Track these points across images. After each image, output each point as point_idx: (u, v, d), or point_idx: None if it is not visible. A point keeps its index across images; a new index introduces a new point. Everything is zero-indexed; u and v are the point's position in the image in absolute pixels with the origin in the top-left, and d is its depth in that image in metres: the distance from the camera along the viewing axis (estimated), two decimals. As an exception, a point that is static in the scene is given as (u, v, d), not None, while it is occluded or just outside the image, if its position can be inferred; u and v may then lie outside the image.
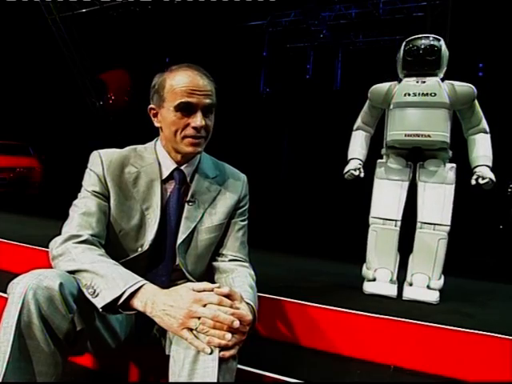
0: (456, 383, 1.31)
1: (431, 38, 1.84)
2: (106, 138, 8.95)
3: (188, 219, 1.10)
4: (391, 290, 1.85)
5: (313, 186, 7.76)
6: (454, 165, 1.90)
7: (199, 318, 0.81)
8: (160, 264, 1.10)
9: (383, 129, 1.99)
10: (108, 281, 0.87)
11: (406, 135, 1.84)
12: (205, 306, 0.82)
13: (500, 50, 7.00)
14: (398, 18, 8.35)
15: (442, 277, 1.85)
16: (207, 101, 1.03)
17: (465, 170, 1.90)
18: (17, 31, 9.38)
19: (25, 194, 7.57)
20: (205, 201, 1.13)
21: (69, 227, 1.00)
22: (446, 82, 1.84)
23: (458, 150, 1.93)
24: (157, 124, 1.10)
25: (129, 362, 1.31)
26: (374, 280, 1.91)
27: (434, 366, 1.34)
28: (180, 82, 1.02)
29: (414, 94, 1.82)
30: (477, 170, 1.84)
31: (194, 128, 1.03)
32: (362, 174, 1.97)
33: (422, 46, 1.82)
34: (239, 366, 0.91)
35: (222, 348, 0.82)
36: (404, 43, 1.89)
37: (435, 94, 1.80)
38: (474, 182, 1.83)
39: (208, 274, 1.17)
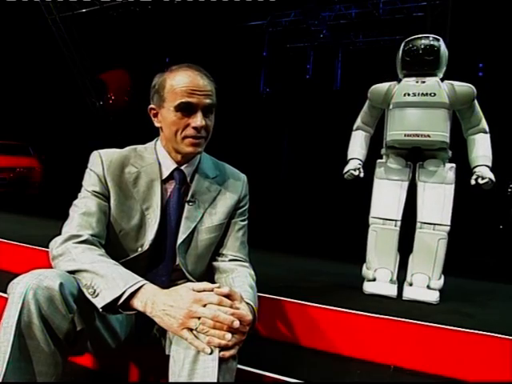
0: (456, 383, 1.31)
1: (431, 38, 1.84)
2: (106, 137, 8.95)
3: (188, 219, 1.10)
4: (391, 290, 1.85)
5: (313, 186, 7.76)
6: (454, 165, 1.90)
7: (199, 318, 0.81)
8: (160, 264, 1.10)
9: (383, 129, 1.99)
10: (108, 281, 0.87)
11: (405, 135, 1.85)
12: (205, 306, 0.82)
13: (500, 50, 7.00)
14: (398, 17, 8.35)
15: (442, 277, 1.85)
16: (207, 101, 1.03)
17: (464, 169, 1.90)
18: (17, 31, 9.38)
19: (25, 194, 7.57)
20: (205, 201, 1.13)
21: (69, 227, 1.00)
22: (446, 82, 1.84)
23: (458, 149, 1.93)
24: (157, 124, 1.10)
25: (129, 362, 1.31)
26: (374, 280, 1.91)
27: (434, 366, 1.34)
28: (180, 82, 1.02)
29: (414, 94, 1.82)
30: (476, 169, 1.84)
31: (195, 128, 1.03)
32: (362, 174, 1.98)
33: (421, 46, 1.82)
34: (239, 366, 0.91)
35: (222, 348, 0.82)
36: (403, 43, 1.89)
37: (435, 94, 1.80)
38: (473, 181, 1.83)
39: (208, 274, 1.17)
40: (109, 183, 1.06)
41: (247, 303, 0.93)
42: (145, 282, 0.88)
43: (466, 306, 1.74)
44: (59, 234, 1.00)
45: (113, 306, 0.85)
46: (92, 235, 0.99)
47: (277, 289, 1.69)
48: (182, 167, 1.12)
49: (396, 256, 1.93)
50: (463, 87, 1.81)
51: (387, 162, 1.99)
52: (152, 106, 1.09)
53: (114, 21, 8.62)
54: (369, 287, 1.89)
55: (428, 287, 1.83)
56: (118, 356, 1.30)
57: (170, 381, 0.87)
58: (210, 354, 0.81)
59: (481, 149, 1.87)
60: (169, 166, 1.11)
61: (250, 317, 0.87)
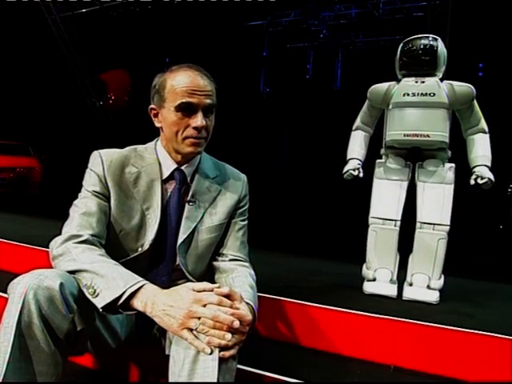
0: (456, 383, 1.31)
1: (430, 39, 1.84)
2: (106, 137, 8.94)
3: (188, 219, 1.10)
4: (391, 290, 1.85)
5: (313, 185, 7.76)
6: (453, 165, 1.91)
7: (199, 318, 0.81)
8: (160, 264, 1.10)
9: (382, 129, 1.99)
10: (108, 281, 0.87)
11: (405, 135, 1.85)
12: (205, 306, 0.82)
13: (500, 50, 7.00)
14: (398, 17, 8.34)
15: (442, 277, 1.85)
16: (208, 101, 1.03)
17: (464, 169, 1.90)
18: (17, 31, 9.37)
19: (25, 194, 7.57)
20: (205, 201, 1.13)
21: (69, 227, 1.00)
22: (445, 82, 1.84)
23: (457, 149, 1.93)
24: (157, 124, 1.10)
25: (129, 362, 1.31)
26: (374, 280, 1.91)
27: (434, 366, 1.34)
28: (181, 82, 1.02)
29: (413, 94, 1.83)
30: (476, 169, 1.84)
31: (195, 128, 1.03)
32: (361, 174, 1.98)
33: (420, 47, 1.82)
34: (239, 366, 0.92)
35: (222, 348, 0.82)
36: (402, 44, 1.90)
37: (434, 94, 1.80)
38: (472, 181, 1.83)
39: (208, 274, 1.17)
40: (109, 183, 1.06)
41: (247, 303, 0.93)
42: (145, 282, 0.88)
43: (465, 306, 1.74)
44: (59, 233, 1.00)
45: (113, 306, 0.86)
46: (92, 235, 0.99)
47: (277, 289, 1.69)
48: (183, 167, 1.12)
49: (396, 256, 1.93)
50: (462, 87, 1.81)
51: (387, 162, 1.99)
52: (152, 106, 1.09)
53: (114, 21, 8.62)
54: (369, 287, 1.89)
55: (428, 287, 1.83)
56: (117, 356, 1.30)
57: (170, 381, 0.87)
58: (210, 354, 0.81)
59: (480, 149, 1.87)
60: (169, 166, 1.11)
61: (249, 317, 0.88)
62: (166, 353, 1.05)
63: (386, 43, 8.70)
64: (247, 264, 1.16)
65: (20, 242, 2.22)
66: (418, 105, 1.83)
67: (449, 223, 1.82)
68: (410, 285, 1.87)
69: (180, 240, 1.09)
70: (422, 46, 1.82)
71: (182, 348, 0.85)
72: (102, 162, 1.07)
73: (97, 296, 0.86)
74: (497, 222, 6.75)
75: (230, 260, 1.15)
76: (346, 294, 1.86)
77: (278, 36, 9.93)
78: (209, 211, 1.13)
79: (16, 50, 9.60)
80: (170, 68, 1.07)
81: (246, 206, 1.22)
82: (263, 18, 9.61)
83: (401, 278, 1.92)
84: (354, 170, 1.96)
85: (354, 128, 2.08)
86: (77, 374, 1.32)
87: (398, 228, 1.90)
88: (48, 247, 1.00)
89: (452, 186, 1.87)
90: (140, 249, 1.08)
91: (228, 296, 0.86)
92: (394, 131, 1.88)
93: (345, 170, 1.98)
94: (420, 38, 1.84)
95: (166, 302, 0.83)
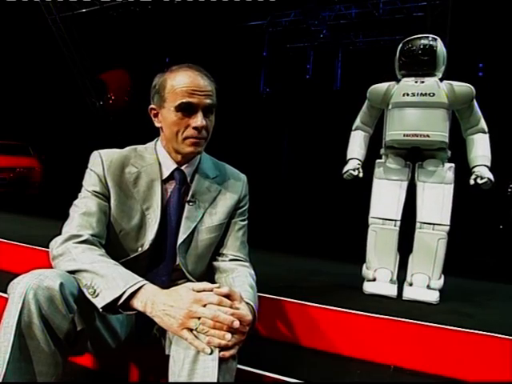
0: (456, 383, 1.31)
1: (429, 38, 1.84)
2: (106, 137, 8.94)
3: (188, 219, 1.10)
4: (391, 290, 1.85)
5: (313, 185, 7.76)
6: (453, 164, 1.91)
7: (199, 318, 0.81)
8: (160, 264, 1.10)
9: (382, 129, 1.99)
10: (108, 281, 0.87)
11: (404, 135, 1.85)
12: (205, 306, 0.82)
13: (500, 50, 7.00)
14: (398, 17, 8.34)
15: (442, 277, 1.85)
16: (208, 101, 1.04)
17: (464, 169, 1.90)
18: (17, 31, 9.37)
19: (25, 194, 7.57)
20: (205, 201, 1.13)
21: (69, 227, 1.00)
22: (445, 81, 1.84)
23: (457, 149, 1.93)
24: (157, 124, 1.11)
25: (129, 362, 1.31)
26: (374, 280, 1.91)
27: (434, 366, 1.34)
28: (181, 82, 1.02)
29: (413, 94, 1.83)
30: (475, 169, 1.84)
31: (195, 128, 1.03)
32: (361, 174, 1.98)
33: (419, 47, 1.82)
34: (239, 366, 0.92)
35: (222, 348, 0.82)
36: (401, 44, 1.90)
37: (434, 94, 1.80)
38: (472, 181, 1.83)
39: (208, 274, 1.17)
40: (109, 183, 1.06)
41: (247, 303, 0.93)
42: (145, 282, 0.88)
43: (465, 306, 1.74)
44: (59, 233, 1.00)
45: (113, 306, 0.86)
46: (92, 235, 1.00)
47: (277, 289, 1.69)
48: (183, 167, 1.12)
49: (396, 256, 1.93)
50: (462, 87, 1.81)
51: (386, 162, 1.99)
52: (152, 106, 1.09)
53: (114, 21, 8.62)
54: (369, 287, 1.89)
55: (428, 287, 1.83)
56: (118, 356, 1.30)
57: (170, 381, 0.87)
58: (210, 354, 0.81)
59: (480, 149, 1.87)
60: (169, 166, 1.11)
61: (249, 317, 0.88)
62: (166, 353, 1.05)
63: (386, 43, 8.70)
64: (247, 264, 1.16)
65: (20, 241, 2.22)
66: (417, 105, 1.83)
67: (449, 223, 1.82)
68: (410, 285, 1.87)
69: (180, 240, 1.09)
70: (421, 46, 1.82)
71: (181, 348, 0.85)
72: (101, 161, 1.07)
73: (97, 296, 0.86)
74: (497, 222, 6.76)
75: (230, 260, 1.15)
76: (345, 294, 1.86)
77: (278, 36, 9.94)
78: (209, 211, 1.13)
79: (16, 50, 9.60)
80: (170, 68, 1.07)
81: (246, 206, 1.22)
82: (263, 18, 9.61)
83: (401, 278, 1.92)
84: (353, 170, 1.96)
85: (353, 128, 2.08)
86: (77, 374, 1.32)
87: (397, 228, 1.90)
88: (48, 247, 1.00)
89: (452, 185, 1.87)
90: (140, 249, 1.08)
91: (228, 296, 0.86)
92: (394, 131, 1.88)
93: (345, 169, 1.98)
94: (419, 38, 1.84)
95: (165, 302, 0.83)
